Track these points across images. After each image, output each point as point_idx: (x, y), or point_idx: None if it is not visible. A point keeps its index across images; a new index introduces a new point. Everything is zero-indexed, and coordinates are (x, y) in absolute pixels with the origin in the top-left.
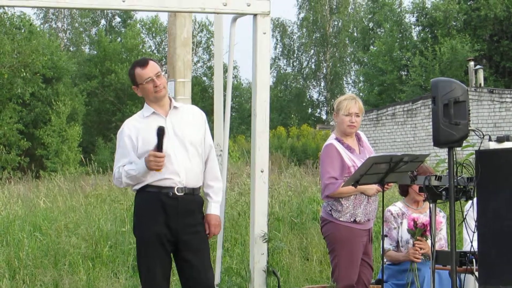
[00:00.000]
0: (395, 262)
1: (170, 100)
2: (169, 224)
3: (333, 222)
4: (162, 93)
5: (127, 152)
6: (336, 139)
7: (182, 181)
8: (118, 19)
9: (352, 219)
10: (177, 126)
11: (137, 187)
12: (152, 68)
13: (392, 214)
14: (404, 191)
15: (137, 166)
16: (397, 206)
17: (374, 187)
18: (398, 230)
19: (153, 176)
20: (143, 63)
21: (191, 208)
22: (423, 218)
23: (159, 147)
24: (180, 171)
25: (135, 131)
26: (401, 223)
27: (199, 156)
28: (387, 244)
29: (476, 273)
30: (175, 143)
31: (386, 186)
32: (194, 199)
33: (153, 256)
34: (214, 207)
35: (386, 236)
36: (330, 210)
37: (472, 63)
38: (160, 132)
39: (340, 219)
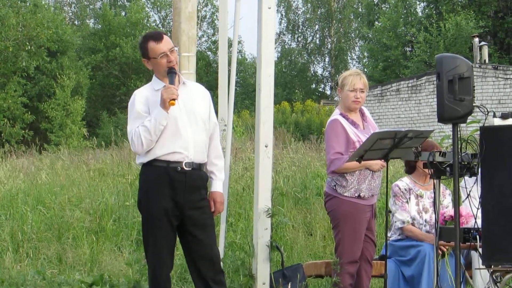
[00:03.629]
0: (413, 238)
1: (179, 76)
2: (175, 198)
3: (337, 197)
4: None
5: (141, 116)
6: (341, 114)
7: (190, 155)
8: None
9: (356, 194)
10: (187, 101)
11: (144, 160)
12: (166, 43)
13: (400, 189)
14: (411, 168)
15: (152, 115)
16: (404, 182)
17: (379, 163)
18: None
19: (161, 149)
20: (158, 37)
21: (197, 183)
22: (447, 209)
23: (171, 83)
24: (189, 145)
25: (146, 100)
26: (409, 198)
27: (206, 131)
28: (405, 217)
29: (480, 250)
30: (184, 118)
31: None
32: (200, 174)
33: (159, 231)
34: (219, 185)
35: (390, 211)
36: (335, 185)
37: (476, 39)
38: (171, 70)
39: (345, 194)
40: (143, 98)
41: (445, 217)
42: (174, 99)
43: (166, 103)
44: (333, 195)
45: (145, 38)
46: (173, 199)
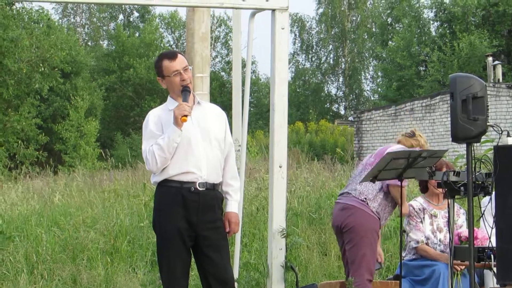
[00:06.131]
0: (427, 257)
1: (194, 96)
2: (189, 219)
3: (363, 211)
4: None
5: (154, 135)
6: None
7: (203, 176)
8: (136, 14)
9: (378, 217)
10: (201, 120)
11: (158, 179)
12: (180, 61)
13: (414, 209)
14: (424, 188)
15: (165, 134)
16: (418, 201)
17: None
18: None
19: (174, 169)
20: (172, 56)
21: (211, 203)
22: (462, 229)
23: (185, 101)
24: (202, 164)
25: (159, 119)
26: (423, 218)
27: (221, 151)
28: (419, 237)
29: (495, 269)
30: (198, 137)
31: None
32: (214, 194)
33: (173, 251)
34: (234, 206)
35: (404, 231)
36: (365, 198)
37: (490, 58)
38: (186, 88)
39: (372, 207)
40: (156, 117)
41: (460, 237)
42: (186, 116)
43: (178, 119)
44: (360, 208)
45: (160, 56)
46: (186, 219)
